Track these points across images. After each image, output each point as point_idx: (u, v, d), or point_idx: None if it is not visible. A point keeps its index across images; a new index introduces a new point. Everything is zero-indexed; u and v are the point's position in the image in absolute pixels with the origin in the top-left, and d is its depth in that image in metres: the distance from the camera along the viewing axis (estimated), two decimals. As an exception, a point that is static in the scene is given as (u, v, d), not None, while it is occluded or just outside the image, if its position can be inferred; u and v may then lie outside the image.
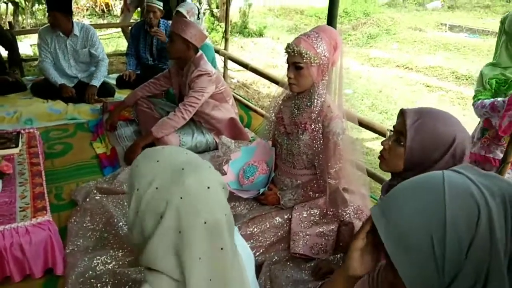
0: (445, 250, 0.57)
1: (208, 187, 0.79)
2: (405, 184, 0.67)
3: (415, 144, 1.14)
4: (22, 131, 2.41)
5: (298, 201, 1.83)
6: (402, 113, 1.20)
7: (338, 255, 1.74)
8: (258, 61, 6.60)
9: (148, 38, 3.83)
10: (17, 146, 2.20)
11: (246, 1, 9.78)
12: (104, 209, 1.99)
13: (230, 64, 4.31)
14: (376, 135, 2.67)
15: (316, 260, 1.72)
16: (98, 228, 1.92)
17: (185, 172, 0.78)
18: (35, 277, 1.64)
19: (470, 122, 2.53)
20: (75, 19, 3.47)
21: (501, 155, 1.78)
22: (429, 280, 0.60)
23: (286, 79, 1.76)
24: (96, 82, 3.48)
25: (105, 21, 8.90)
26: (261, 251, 1.74)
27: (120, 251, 1.78)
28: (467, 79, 6.03)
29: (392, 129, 1.23)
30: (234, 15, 8.92)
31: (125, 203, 2.05)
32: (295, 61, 1.67)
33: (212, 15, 9.08)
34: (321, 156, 1.77)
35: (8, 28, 4.33)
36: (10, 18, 7.03)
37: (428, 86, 5.95)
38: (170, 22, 3.28)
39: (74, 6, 3.58)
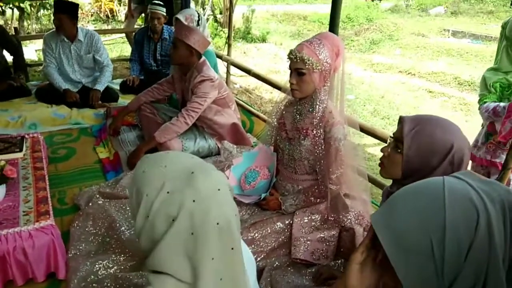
0: (444, 252, 0.58)
1: (219, 189, 0.81)
2: (405, 188, 0.69)
3: (412, 152, 1.14)
4: (26, 136, 2.44)
5: (299, 206, 1.83)
6: (400, 121, 1.20)
7: (339, 261, 1.74)
8: (261, 67, 6.62)
9: (152, 44, 3.86)
10: (21, 150, 2.22)
11: (249, 7, 9.83)
12: (106, 213, 2.00)
13: (233, 69, 4.33)
14: (378, 141, 2.67)
15: (317, 266, 1.72)
16: (100, 233, 1.93)
17: (196, 175, 0.80)
18: (37, 281, 1.65)
19: (472, 128, 2.53)
20: (79, 24, 3.50)
21: None
22: (428, 283, 0.60)
23: (288, 85, 1.77)
24: (100, 87, 3.51)
25: (110, 27, 8.97)
26: (262, 256, 1.75)
27: (122, 255, 1.79)
28: (469, 85, 6.02)
29: (392, 135, 1.24)
30: (237, 21, 8.97)
31: (128, 208, 2.06)
32: (298, 67, 1.69)
33: (216, 20, 9.15)
34: (322, 161, 1.78)
35: (14, 33, 4.38)
36: (16, 24, 7.11)
37: (430, 92, 5.95)
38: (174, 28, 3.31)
39: (79, 11, 3.62)
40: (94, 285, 1.62)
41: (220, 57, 4.12)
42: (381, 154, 1.28)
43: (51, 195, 1.92)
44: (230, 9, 4.49)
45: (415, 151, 1.14)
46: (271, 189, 1.93)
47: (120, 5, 9.48)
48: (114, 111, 3.18)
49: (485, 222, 0.58)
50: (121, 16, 9.13)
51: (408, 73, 6.81)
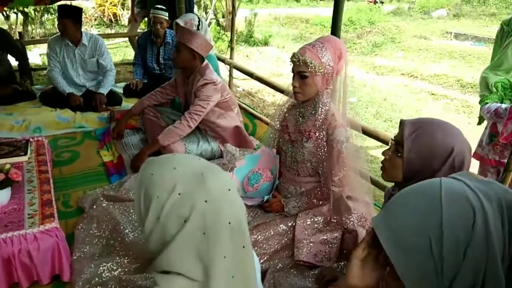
0: (442, 250, 0.59)
1: (229, 189, 0.82)
2: (404, 190, 0.70)
3: (412, 156, 1.14)
4: (31, 139, 2.46)
5: (302, 208, 1.84)
6: (401, 124, 1.20)
7: (342, 263, 1.75)
8: (263, 70, 6.64)
9: (155, 48, 3.88)
10: (26, 154, 2.24)
11: (251, 11, 9.87)
12: (110, 216, 2.01)
13: (235, 73, 4.35)
14: (380, 143, 2.67)
15: (320, 268, 1.72)
16: (104, 235, 1.95)
17: (206, 176, 0.81)
18: (42, 283, 1.66)
19: (475, 130, 2.53)
20: (83, 29, 3.53)
21: None
22: (429, 282, 0.61)
23: (291, 88, 1.79)
24: (104, 90, 3.53)
25: (113, 31, 9.03)
26: (265, 258, 1.75)
27: (126, 258, 1.80)
28: (472, 87, 6.02)
29: (393, 139, 1.24)
30: (240, 24, 9.00)
31: (131, 211, 2.07)
32: (300, 70, 1.70)
33: (218, 24, 9.18)
34: (325, 163, 1.79)
35: (18, 38, 4.41)
36: (20, 28, 7.16)
37: (433, 94, 5.95)
38: (177, 32, 3.32)
39: (82, 16, 3.64)
40: (98, 287, 1.64)
41: (222, 60, 4.14)
42: (383, 156, 1.29)
43: (55, 198, 1.94)
44: (233, 12, 4.51)
45: (416, 154, 1.14)
46: (274, 191, 1.94)
47: (123, 10, 9.55)
48: (117, 115, 3.21)
49: (482, 220, 0.59)
50: (124, 20, 9.20)
51: (411, 76, 6.81)
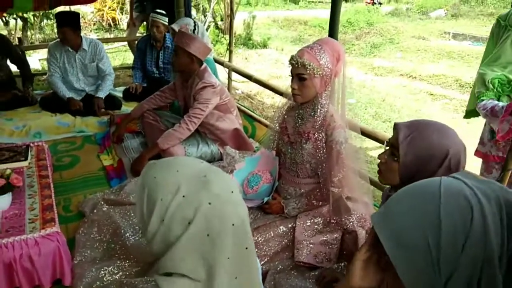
0: (440, 247, 0.60)
1: (232, 191, 0.83)
2: (404, 188, 0.71)
3: (408, 159, 1.14)
4: (31, 145, 2.46)
5: (302, 209, 1.84)
6: (395, 127, 1.19)
7: (342, 264, 1.75)
8: (262, 72, 6.66)
9: (155, 52, 3.90)
10: (26, 159, 2.25)
11: (250, 13, 9.90)
12: (111, 220, 2.02)
13: (234, 75, 4.36)
14: (379, 144, 2.68)
15: (320, 269, 1.73)
16: (105, 239, 1.95)
17: (209, 178, 0.82)
18: (43, 287, 1.66)
19: (474, 130, 2.54)
20: (82, 33, 3.54)
21: None
22: (426, 279, 0.61)
23: (290, 90, 1.80)
24: (102, 94, 3.54)
25: (112, 35, 9.05)
26: (265, 260, 1.76)
27: (127, 261, 1.80)
28: (471, 87, 5.99)
29: (388, 141, 1.23)
30: (239, 27, 9.03)
31: (132, 214, 2.07)
32: (299, 72, 1.71)
33: (217, 27, 9.21)
34: (324, 165, 1.80)
35: (18, 43, 4.42)
36: (19, 34, 7.18)
37: (432, 94, 5.96)
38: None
39: (81, 21, 3.66)
40: (99, 291, 1.64)
41: (221, 63, 4.15)
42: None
43: (56, 202, 1.94)
44: (231, 15, 4.52)
45: (412, 157, 1.13)
46: (274, 193, 1.95)
47: (122, 14, 9.57)
48: (117, 119, 3.22)
49: (480, 218, 0.59)
50: (123, 24, 9.21)
51: (409, 76, 6.82)
